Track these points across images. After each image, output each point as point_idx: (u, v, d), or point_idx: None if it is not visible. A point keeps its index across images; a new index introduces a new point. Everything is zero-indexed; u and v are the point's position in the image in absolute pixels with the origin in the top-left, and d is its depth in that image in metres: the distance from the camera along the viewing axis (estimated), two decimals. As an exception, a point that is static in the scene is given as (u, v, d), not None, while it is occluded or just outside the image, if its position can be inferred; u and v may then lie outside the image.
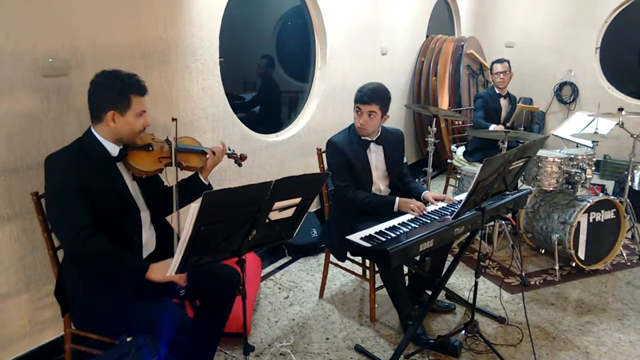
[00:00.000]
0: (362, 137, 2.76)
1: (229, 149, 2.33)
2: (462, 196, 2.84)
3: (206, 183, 2.24)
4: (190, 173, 2.23)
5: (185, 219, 1.54)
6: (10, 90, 2.09)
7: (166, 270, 1.78)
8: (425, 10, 5.82)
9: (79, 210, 1.80)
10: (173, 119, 2.00)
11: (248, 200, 1.66)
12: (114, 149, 1.95)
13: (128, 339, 1.51)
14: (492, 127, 4.04)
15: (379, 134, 2.81)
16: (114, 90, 1.88)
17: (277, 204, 1.77)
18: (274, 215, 1.82)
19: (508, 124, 4.23)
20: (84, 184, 1.82)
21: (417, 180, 3.02)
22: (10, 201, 2.15)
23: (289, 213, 1.88)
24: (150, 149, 2.03)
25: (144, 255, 2.07)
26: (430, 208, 2.64)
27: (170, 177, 2.07)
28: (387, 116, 2.75)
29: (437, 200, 2.74)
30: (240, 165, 2.37)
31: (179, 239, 1.64)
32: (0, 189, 2.12)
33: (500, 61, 4.27)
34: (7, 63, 2.06)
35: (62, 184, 1.82)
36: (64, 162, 1.85)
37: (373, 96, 2.64)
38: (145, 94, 1.96)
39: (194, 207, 1.50)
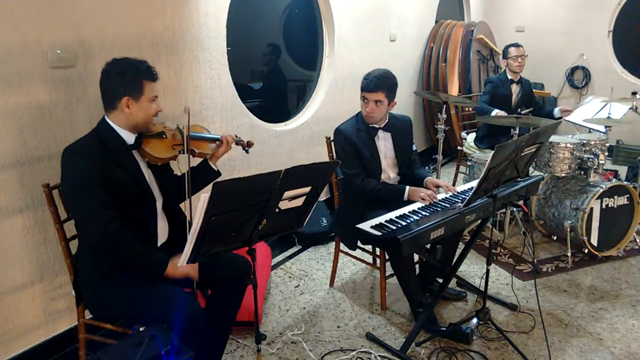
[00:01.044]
0: (370, 125, 2.74)
1: (237, 136, 2.34)
2: (473, 183, 2.82)
3: (215, 169, 2.25)
4: (199, 160, 2.25)
5: (196, 209, 1.55)
6: (19, 83, 2.09)
7: (185, 272, 1.93)
8: (434, -5, 5.74)
9: (105, 203, 1.82)
10: (185, 110, 2.00)
11: (258, 190, 1.65)
12: (129, 137, 1.96)
13: (141, 329, 1.52)
14: (495, 112, 3.97)
15: (387, 120, 2.79)
16: (127, 76, 1.89)
17: (287, 193, 1.77)
18: (283, 205, 1.81)
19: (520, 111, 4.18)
20: (104, 174, 1.83)
21: (426, 167, 2.99)
22: (22, 193, 2.17)
23: (298, 202, 1.88)
24: (164, 136, 2.06)
25: (158, 244, 2.09)
26: (440, 196, 2.62)
27: (181, 164, 2.09)
28: (394, 102, 2.73)
29: (436, 186, 2.70)
30: (247, 151, 2.38)
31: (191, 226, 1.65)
32: (12, 181, 2.13)
33: (516, 45, 4.18)
34: (15, 55, 2.06)
35: (84, 177, 1.82)
36: (83, 154, 1.86)
37: (379, 83, 2.61)
38: (156, 79, 1.97)
39: (204, 197, 1.50)
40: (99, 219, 1.80)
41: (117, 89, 1.90)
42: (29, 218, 2.21)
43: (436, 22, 5.82)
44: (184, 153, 2.08)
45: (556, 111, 4.20)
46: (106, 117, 1.95)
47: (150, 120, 1.99)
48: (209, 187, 1.52)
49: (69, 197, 1.92)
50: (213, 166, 2.24)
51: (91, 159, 1.84)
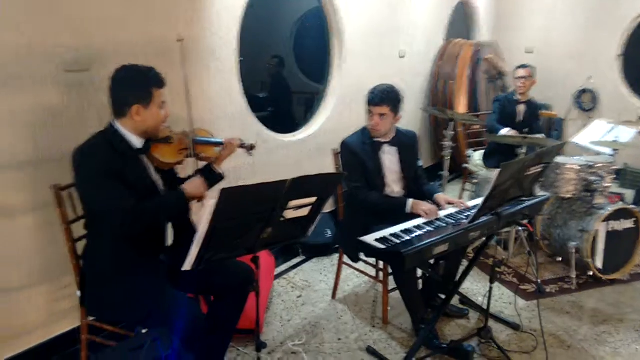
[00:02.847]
0: (375, 139, 2.76)
1: (241, 140, 2.37)
2: (478, 201, 2.82)
3: (218, 172, 2.27)
4: (203, 163, 2.27)
5: (200, 213, 1.56)
6: (33, 85, 2.13)
7: (198, 185, 2.06)
8: (444, 14, 5.79)
9: (120, 192, 1.84)
10: (178, 40, 2.07)
11: (264, 198, 1.67)
12: (138, 142, 1.99)
13: (143, 331, 1.53)
14: (503, 131, 3.98)
15: (394, 135, 2.81)
16: (136, 85, 1.93)
17: (293, 203, 1.79)
18: (289, 214, 1.83)
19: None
20: (116, 170, 1.86)
21: (432, 183, 3.00)
22: (31, 194, 2.20)
23: (304, 212, 1.89)
24: (171, 141, 2.09)
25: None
26: (443, 212, 2.62)
27: (188, 168, 2.12)
28: (399, 116, 2.75)
29: (449, 203, 2.71)
30: (250, 154, 2.40)
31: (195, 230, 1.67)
32: (22, 181, 2.16)
33: (523, 66, 4.20)
34: (30, 58, 2.11)
35: (99, 170, 1.84)
36: (95, 152, 1.89)
37: (384, 97, 2.65)
38: (164, 86, 2.00)
39: (210, 203, 1.52)
40: (119, 208, 1.81)
41: (127, 97, 1.92)
42: (38, 218, 2.23)
43: (445, 40, 5.87)
44: (190, 157, 2.12)
45: None
46: (115, 123, 1.97)
47: (159, 126, 2.02)
48: (216, 193, 1.54)
49: (86, 191, 1.92)
50: (217, 169, 2.26)
51: (104, 156, 1.87)
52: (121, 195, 1.84)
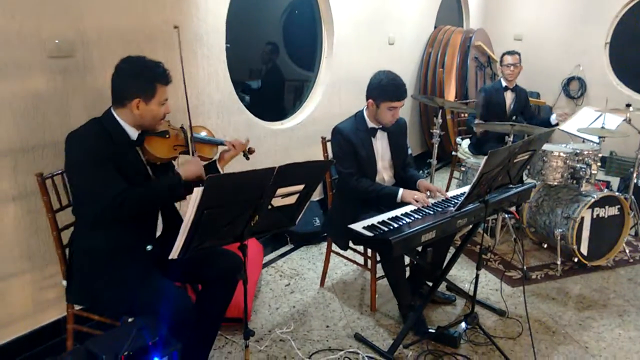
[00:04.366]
0: (370, 126, 2.75)
1: (248, 142, 2.34)
2: (465, 188, 2.84)
3: (222, 172, 2.25)
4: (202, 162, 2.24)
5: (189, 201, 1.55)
6: (16, 71, 2.09)
7: (194, 164, 2.00)
8: (434, 0, 5.76)
9: (111, 176, 1.82)
10: (175, 27, 2.06)
11: (251, 186, 1.66)
12: (133, 133, 1.97)
13: (129, 320, 1.52)
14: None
15: None
16: (142, 79, 1.90)
17: (280, 190, 1.78)
18: (276, 202, 1.82)
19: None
20: (108, 157, 1.83)
21: (420, 171, 3.01)
22: (15, 182, 2.16)
23: (291, 200, 1.89)
24: (167, 136, 2.06)
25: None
26: (432, 201, 2.63)
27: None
28: None
29: (427, 190, 2.70)
30: (247, 158, 2.38)
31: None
32: (5, 169, 2.13)
33: (511, 53, 4.19)
34: (13, 44, 2.06)
35: (90, 154, 1.82)
36: (88, 136, 1.86)
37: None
38: (169, 83, 1.97)
39: (197, 190, 1.51)
40: (105, 192, 1.78)
41: (130, 89, 1.90)
42: (21, 207, 2.20)
43: (435, 27, 5.85)
44: (185, 154, 2.09)
45: (553, 118, 4.22)
46: (113, 111, 1.94)
47: (157, 122, 2.00)
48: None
49: (76, 175, 1.89)
50: (220, 169, 2.24)
51: (96, 140, 1.85)
52: (113, 178, 1.82)
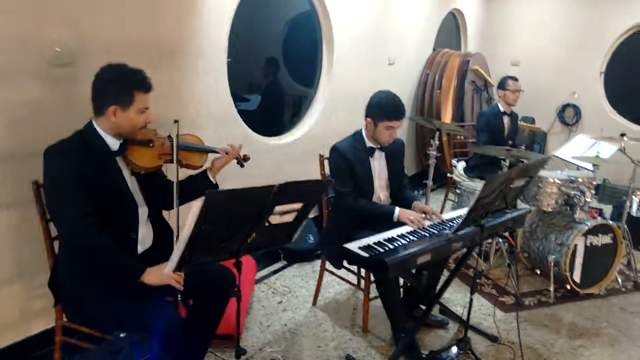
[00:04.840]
0: (368, 145, 2.76)
1: (240, 151, 2.32)
2: (461, 211, 2.84)
3: (214, 182, 2.23)
4: (191, 171, 2.22)
5: (185, 217, 1.53)
6: (16, 78, 2.08)
7: (162, 275, 1.78)
8: (433, 23, 5.84)
9: (79, 199, 1.79)
10: (175, 121, 1.96)
11: (250, 203, 1.65)
12: (114, 143, 1.94)
13: (122, 335, 1.49)
14: None
15: None
16: (118, 85, 1.87)
17: (279, 208, 1.77)
18: (274, 219, 1.81)
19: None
20: (83, 174, 1.81)
21: (415, 192, 3.02)
22: (10, 189, 2.14)
23: (289, 218, 1.87)
24: (151, 145, 2.02)
25: (140, 251, 2.05)
26: (428, 223, 2.63)
27: (172, 174, 2.06)
28: None
29: (423, 212, 2.70)
30: (242, 166, 2.36)
31: (177, 237, 1.63)
32: (1, 176, 2.10)
33: (514, 78, 4.23)
34: (14, 51, 2.05)
35: (61, 174, 1.80)
36: (63, 153, 1.84)
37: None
38: (149, 90, 1.94)
39: (196, 206, 1.49)
40: (71, 214, 1.78)
41: (106, 96, 1.88)
42: (15, 214, 2.17)
43: (434, 49, 5.92)
44: (171, 163, 2.04)
45: None
46: (93, 121, 1.93)
47: (136, 131, 1.95)
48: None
49: (47, 195, 1.89)
50: (212, 179, 2.22)
51: (71, 160, 1.82)
52: (76, 205, 1.78)
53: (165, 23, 2.67)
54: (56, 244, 2.03)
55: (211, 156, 2.26)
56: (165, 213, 2.20)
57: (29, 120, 2.15)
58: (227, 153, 2.23)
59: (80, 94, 2.29)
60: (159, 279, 1.81)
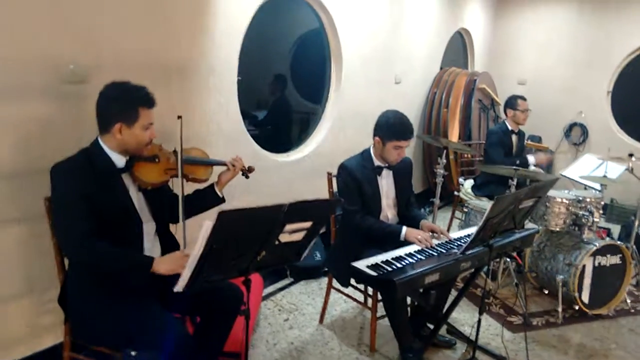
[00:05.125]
0: (376, 164, 2.78)
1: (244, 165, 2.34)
2: (468, 230, 2.84)
3: (220, 196, 2.25)
4: (198, 185, 2.24)
5: (193, 231, 1.54)
6: (29, 95, 2.11)
7: (172, 263, 1.83)
8: (441, 42, 5.89)
9: (83, 217, 1.81)
10: (178, 117, 1.98)
11: (261, 221, 1.66)
12: (119, 160, 1.96)
13: (133, 353, 1.50)
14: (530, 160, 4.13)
15: None
16: (122, 102, 1.90)
17: (289, 227, 1.78)
18: (283, 238, 1.82)
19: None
20: (87, 192, 1.82)
21: (422, 209, 3.02)
22: (22, 205, 2.16)
23: (298, 236, 1.88)
24: (157, 160, 2.04)
25: None
26: (436, 242, 2.63)
27: (178, 188, 2.08)
28: None
29: (431, 231, 2.70)
30: (247, 177, 2.37)
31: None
32: (13, 191, 2.13)
33: (523, 98, 4.26)
34: (28, 68, 2.09)
35: (66, 191, 1.82)
36: (68, 171, 1.86)
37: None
38: (153, 106, 1.96)
39: (207, 225, 1.51)
40: (74, 233, 1.79)
41: (111, 113, 1.90)
42: (26, 230, 2.20)
43: (441, 68, 5.96)
44: (177, 177, 2.06)
45: (531, 159, 4.29)
46: (99, 139, 1.95)
47: (142, 147, 1.97)
48: (212, 213, 1.52)
49: (53, 212, 1.90)
50: (218, 192, 2.24)
51: (75, 178, 1.84)
52: (78, 222, 1.79)
53: (179, 43, 2.72)
54: (66, 260, 2.05)
55: (217, 170, 2.28)
56: (172, 227, 2.21)
57: (41, 136, 2.18)
58: (233, 165, 2.25)
59: (91, 112, 2.33)
60: (170, 268, 1.82)
